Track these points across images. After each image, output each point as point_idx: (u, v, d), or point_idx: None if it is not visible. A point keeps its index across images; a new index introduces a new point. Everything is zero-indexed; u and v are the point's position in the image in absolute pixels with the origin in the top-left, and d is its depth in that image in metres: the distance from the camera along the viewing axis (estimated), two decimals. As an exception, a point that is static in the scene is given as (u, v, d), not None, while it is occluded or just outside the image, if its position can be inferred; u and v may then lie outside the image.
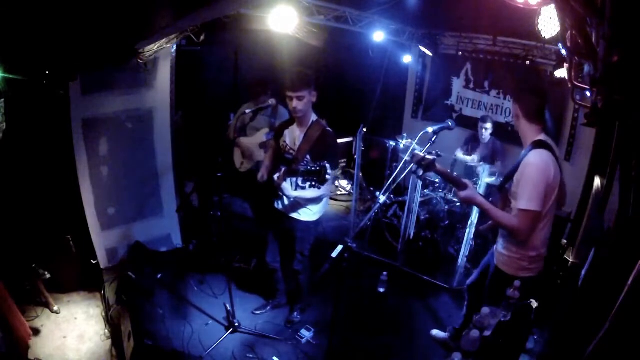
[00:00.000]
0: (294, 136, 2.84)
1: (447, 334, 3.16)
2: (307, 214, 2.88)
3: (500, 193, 2.40)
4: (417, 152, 2.24)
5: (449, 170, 2.35)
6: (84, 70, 3.13)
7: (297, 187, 2.74)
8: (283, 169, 2.62)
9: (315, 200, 2.84)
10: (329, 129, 2.76)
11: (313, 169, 2.45)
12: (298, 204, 2.85)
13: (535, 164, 2.10)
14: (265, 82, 3.73)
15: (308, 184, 2.63)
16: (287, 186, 2.71)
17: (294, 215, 2.89)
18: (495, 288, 2.37)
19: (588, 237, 2.62)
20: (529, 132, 2.24)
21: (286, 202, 2.88)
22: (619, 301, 1.24)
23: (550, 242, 2.29)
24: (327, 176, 2.49)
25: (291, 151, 2.81)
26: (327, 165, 2.47)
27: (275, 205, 2.94)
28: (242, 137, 3.78)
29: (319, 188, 2.61)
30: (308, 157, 2.67)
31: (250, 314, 3.36)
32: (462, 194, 2.20)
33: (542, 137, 2.23)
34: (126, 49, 3.10)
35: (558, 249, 3.15)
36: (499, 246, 2.37)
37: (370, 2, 4.08)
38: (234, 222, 4.66)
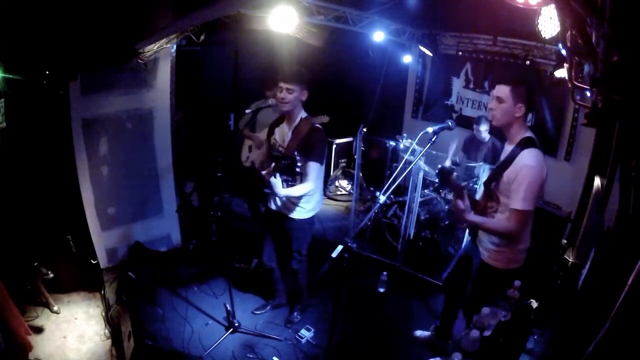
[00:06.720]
0: (283, 133, 2.84)
1: (430, 332, 3.15)
2: (301, 212, 2.86)
3: (485, 188, 2.38)
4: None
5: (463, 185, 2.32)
6: (84, 70, 3.13)
7: (287, 185, 2.71)
8: (272, 166, 2.58)
9: (307, 198, 2.81)
10: (317, 125, 2.74)
11: (285, 162, 2.45)
12: (291, 203, 2.83)
13: (532, 166, 2.09)
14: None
15: (285, 178, 2.65)
16: (277, 183, 2.63)
17: (288, 214, 2.87)
18: (484, 283, 2.40)
19: (588, 237, 2.62)
20: (516, 123, 2.21)
21: (279, 201, 2.86)
22: (619, 301, 1.24)
23: (550, 242, 2.30)
24: (297, 168, 2.48)
25: (280, 148, 2.81)
26: (297, 157, 2.46)
27: (270, 205, 2.93)
28: (256, 132, 3.87)
29: (294, 183, 2.64)
30: (295, 153, 2.62)
31: (250, 314, 3.36)
32: (470, 217, 2.22)
33: (529, 133, 2.22)
34: (126, 49, 3.10)
35: (558, 249, 3.15)
36: (486, 241, 2.37)
37: (370, 2, 4.08)
38: (234, 222, 4.67)
